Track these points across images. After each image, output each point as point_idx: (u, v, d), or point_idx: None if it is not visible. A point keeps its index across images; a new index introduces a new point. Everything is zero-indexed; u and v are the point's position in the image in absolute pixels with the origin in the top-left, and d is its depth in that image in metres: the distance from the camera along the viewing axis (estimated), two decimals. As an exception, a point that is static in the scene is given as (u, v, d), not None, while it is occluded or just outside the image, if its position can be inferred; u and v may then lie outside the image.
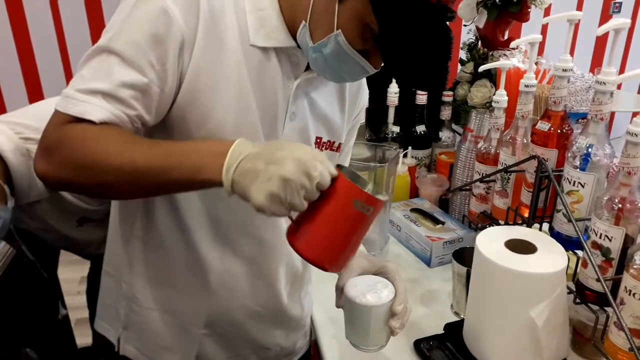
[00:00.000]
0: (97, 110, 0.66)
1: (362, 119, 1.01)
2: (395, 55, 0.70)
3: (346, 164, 1.04)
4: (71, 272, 1.80)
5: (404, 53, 0.70)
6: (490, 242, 0.87)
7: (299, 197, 0.61)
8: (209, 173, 0.63)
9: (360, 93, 0.96)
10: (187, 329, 0.91)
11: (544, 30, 2.46)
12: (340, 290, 0.82)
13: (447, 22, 0.71)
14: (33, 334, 1.33)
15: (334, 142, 0.91)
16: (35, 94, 2.57)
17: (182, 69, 0.71)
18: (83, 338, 1.73)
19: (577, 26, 0.95)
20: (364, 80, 0.96)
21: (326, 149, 0.90)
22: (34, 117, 1.09)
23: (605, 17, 3.18)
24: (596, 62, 3.00)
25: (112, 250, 0.94)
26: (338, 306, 0.83)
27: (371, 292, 0.79)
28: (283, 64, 0.78)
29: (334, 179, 0.65)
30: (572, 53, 0.96)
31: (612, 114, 0.88)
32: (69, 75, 2.57)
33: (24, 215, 1.17)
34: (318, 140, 0.88)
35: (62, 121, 0.68)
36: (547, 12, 1.57)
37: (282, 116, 0.81)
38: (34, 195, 1.11)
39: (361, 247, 0.87)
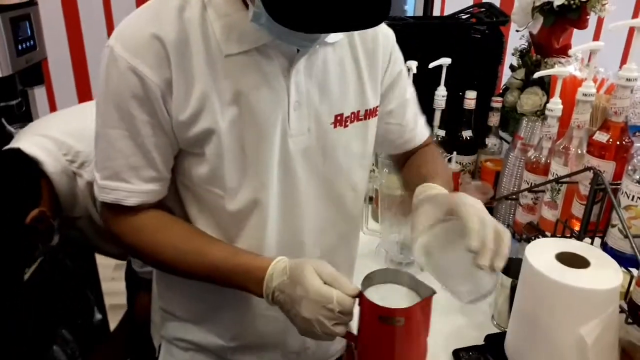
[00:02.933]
0: (128, 195, 0.76)
1: (400, 69, 0.93)
2: None
3: (414, 119, 0.98)
4: (106, 259, 1.86)
5: None
6: (541, 253, 0.84)
7: (328, 328, 0.69)
8: (255, 294, 0.74)
9: (377, 46, 0.86)
10: (217, 341, 0.92)
11: (596, 37, 2.37)
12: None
13: None
14: (68, 321, 1.39)
15: (358, 112, 0.85)
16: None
17: (170, 112, 0.73)
18: (116, 323, 1.78)
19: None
20: (384, 31, 0.88)
21: (352, 122, 0.85)
22: (78, 137, 1.16)
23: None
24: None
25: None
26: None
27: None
28: (272, 58, 0.74)
29: (360, 295, 0.70)
30: (625, 60, 0.92)
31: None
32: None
33: (65, 225, 1.24)
34: (338, 118, 0.83)
35: (109, 210, 0.79)
36: (599, 20, 1.52)
37: (285, 109, 0.77)
38: (77, 212, 1.21)
39: (429, 191, 0.79)
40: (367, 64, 0.85)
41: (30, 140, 1.14)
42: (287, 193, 0.83)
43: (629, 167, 0.86)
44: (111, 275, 2.33)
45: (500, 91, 1.52)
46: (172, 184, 0.82)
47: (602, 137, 0.94)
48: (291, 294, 0.70)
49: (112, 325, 1.72)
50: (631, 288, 0.86)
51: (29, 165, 1.10)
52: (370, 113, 0.87)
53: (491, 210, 1.35)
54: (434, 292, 0.71)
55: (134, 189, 0.76)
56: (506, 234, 0.69)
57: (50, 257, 1.26)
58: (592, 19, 1.40)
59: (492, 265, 0.67)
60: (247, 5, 0.70)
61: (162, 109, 0.72)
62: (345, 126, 0.84)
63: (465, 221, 0.69)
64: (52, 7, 2.45)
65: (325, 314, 0.68)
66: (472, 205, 0.70)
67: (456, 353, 0.94)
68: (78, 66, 2.61)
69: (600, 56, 1.04)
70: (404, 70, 0.94)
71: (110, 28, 2.57)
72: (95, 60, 2.61)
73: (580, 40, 1.61)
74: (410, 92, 0.97)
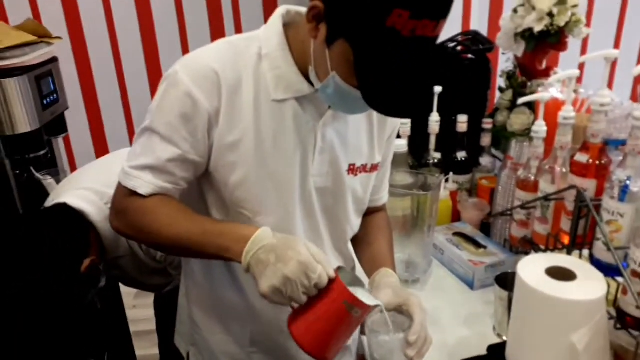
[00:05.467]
0: (145, 185, 0.84)
1: (395, 135, 1.06)
2: (373, 90, 0.72)
3: (385, 181, 1.11)
4: (126, 287, 1.94)
5: (382, 88, 0.72)
6: (532, 269, 0.91)
7: (298, 293, 0.74)
8: (233, 254, 0.79)
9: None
10: (238, 348, 1.01)
11: (582, 56, 2.44)
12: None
13: (435, 51, 0.72)
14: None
15: (366, 165, 0.98)
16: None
17: (212, 137, 0.84)
18: (141, 350, 1.85)
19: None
20: None
21: (360, 172, 0.97)
22: (113, 186, 1.26)
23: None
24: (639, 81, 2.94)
25: (182, 280, 1.07)
26: (362, 334, 0.89)
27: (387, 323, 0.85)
28: (306, 108, 0.87)
29: (331, 280, 0.77)
30: (611, 80, 1.01)
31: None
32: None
33: (108, 266, 1.35)
34: (352, 167, 0.95)
35: (124, 192, 0.86)
36: (584, 40, 1.60)
37: (312, 152, 0.90)
38: (121, 252, 1.32)
39: (390, 279, 0.94)
40: (378, 125, 0.98)
41: (73, 194, 1.25)
42: (309, 226, 0.94)
43: (608, 186, 0.94)
44: (132, 303, 2.41)
45: (492, 111, 1.61)
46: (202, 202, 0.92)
47: (582, 157, 1.02)
48: (281, 254, 0.75)
49: (137, 352, 1.80)
50: (618, 296, 0.94)
51: (76, 217, 1.21)
52: (374, 167, 1.00)
53: (488, 225, 1.43)
54: (378, 306, 0.83)
55: (152, 182, 0.84)
56: (431, 342, 0.87)
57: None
58: (577, 41, 1.49)
59: (413, 358, 0.83)
60: (294, 60, 0.84)
61: (205, 131, 0.82)
62: (355, 175, 0.96)
63: (414, 320, 0.86)
64: (65, 60, 2.56)
65: (303, 281, 0.74)
66: (421, 310, 0.87)
67: (461, 364, 1.01)
68: (92, 113, 2.72)
69: (588, 74, 1.13)
70: (395, 135, 1.07)
71: (119, 71, 2.68)
72: (108, 105, 2.71)
73: (567, 60, 1.70)
74: (391, 156, 1.09)
